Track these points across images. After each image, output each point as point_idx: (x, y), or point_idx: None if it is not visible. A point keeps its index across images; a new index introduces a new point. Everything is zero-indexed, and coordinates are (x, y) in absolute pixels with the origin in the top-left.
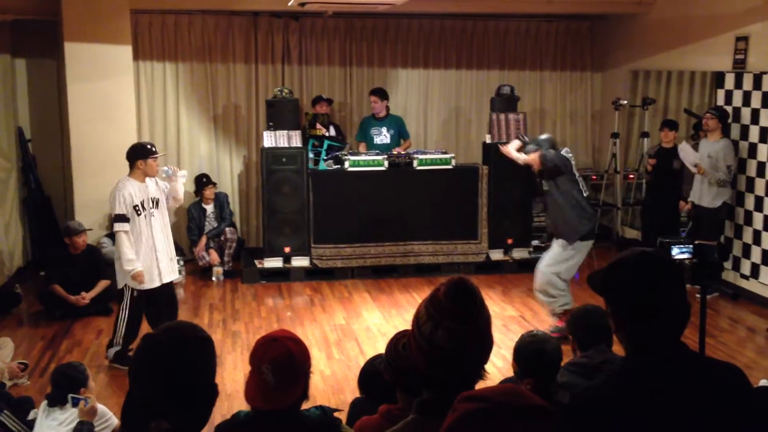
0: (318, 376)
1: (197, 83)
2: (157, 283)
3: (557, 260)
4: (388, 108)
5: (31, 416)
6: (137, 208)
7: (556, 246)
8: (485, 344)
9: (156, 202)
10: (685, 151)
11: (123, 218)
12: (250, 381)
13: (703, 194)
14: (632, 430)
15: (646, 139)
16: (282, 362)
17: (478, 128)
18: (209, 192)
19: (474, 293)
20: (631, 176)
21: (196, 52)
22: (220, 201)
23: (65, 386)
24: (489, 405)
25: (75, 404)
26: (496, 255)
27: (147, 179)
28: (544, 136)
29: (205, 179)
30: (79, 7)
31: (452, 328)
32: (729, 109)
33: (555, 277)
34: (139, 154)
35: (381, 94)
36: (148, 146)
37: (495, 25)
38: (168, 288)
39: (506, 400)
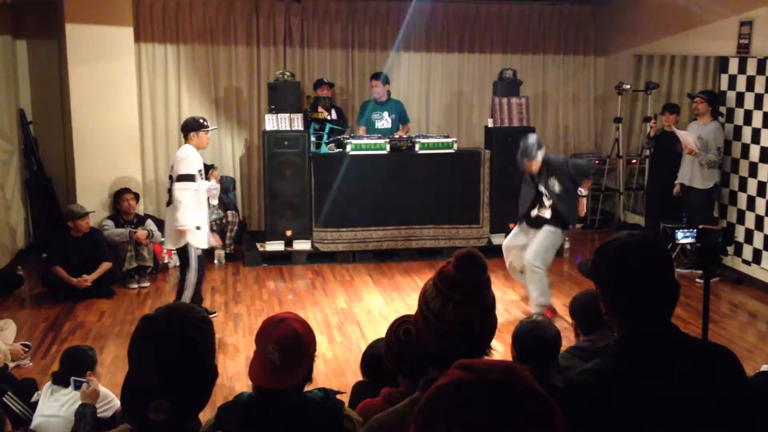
0: (319, 360)
1: (199, 66)
2: (206, 245)
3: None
4: (389, 92)
5: (34, 398)
6: (201, 172)
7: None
8: (492, 318)
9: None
10: (684, 135)
11: (192, 178)
12: (255, 360)
13: (695, 176)
14: (625, 412)
15: (648, 124)
16: (288, 342)
17: (480, 112)
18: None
19: (485, 265)
20: (634, 161)
21: (198, 34)
22: (225, 185)
23: (73, 367)
24: (482, 379)
25: (77, 387)
26: (498, 239)
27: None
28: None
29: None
30: None
31: (462, 302)
32: (732, 94)
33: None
34: (191, 127)
35: (382, 78)
36: (200, 120)
37: (498, 9)
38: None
39: (501, 380)
